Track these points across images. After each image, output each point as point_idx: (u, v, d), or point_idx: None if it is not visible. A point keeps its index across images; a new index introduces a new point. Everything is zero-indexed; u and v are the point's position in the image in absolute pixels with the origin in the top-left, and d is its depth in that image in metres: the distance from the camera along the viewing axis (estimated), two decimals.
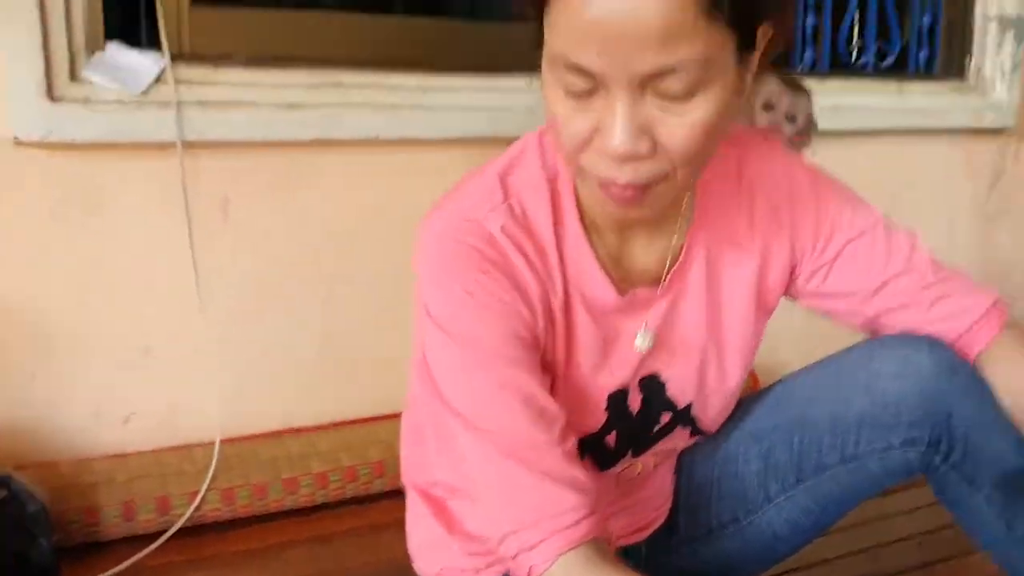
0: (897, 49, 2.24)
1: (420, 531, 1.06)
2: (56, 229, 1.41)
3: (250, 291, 1.55)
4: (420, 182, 1.59)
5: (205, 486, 1.46)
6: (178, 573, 1.39)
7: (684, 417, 1.02)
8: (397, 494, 1.13)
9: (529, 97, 1.61)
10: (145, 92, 1.40)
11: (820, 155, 1.74)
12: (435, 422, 0.90)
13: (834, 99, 1.92)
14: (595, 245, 0.91)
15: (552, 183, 0.90)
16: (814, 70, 2.15)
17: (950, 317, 0.97)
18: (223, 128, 1.45)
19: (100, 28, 1.40)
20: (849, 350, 1.01)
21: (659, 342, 0.96)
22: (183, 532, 1.44)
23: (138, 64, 1.40)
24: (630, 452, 1.01)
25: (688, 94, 0.74)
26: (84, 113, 1.36)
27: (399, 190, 1.61)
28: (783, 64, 2.00)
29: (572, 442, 0.86)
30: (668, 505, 1.11)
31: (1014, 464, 0.94)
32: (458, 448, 0.85)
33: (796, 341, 1.53)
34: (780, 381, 1.09)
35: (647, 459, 1.04)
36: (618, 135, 0.74)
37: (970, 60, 2.28)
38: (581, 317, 0.92)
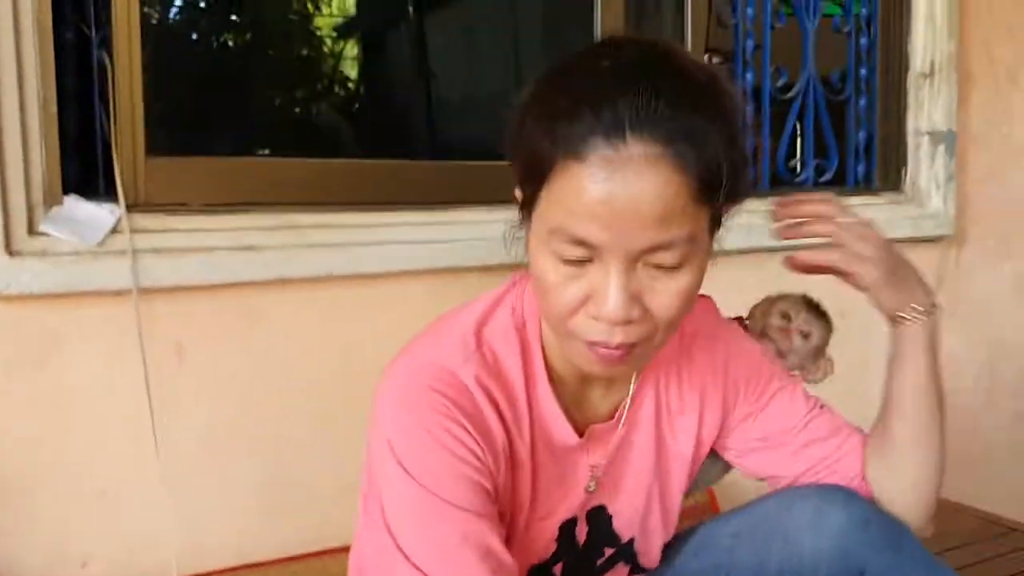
0: (835, 165, 2.32)
1: None
2: (12, 376, 1.43)
3: (205, 432, 1.56)
4: (375, 316, 1.64)
5: None
6: None
7: (627, 553, 1.05)
8: None
9: (478, 230, 1.67)
10: (101, 243, 1.43)
11: (764, 271, 1.80)
12: (380, 565, 0.90)
13: None
14: (559, 393, 0.97)
15: (520, 331, 0.96)
16: (755, 188, 2.22)
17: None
18: (178, 274, 1.49)
19: (58, 182, 1.44)
20: (767, 497, 1.07)
21: (609, 476, 1.01)
22: None
23: (94, 216, 1.45)
24: None
25: (677, 266, 0.82)
26: (41, 266, 1.40)
27: (353, 325, 1.64)
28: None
29: None
30: None
31: None
32: None
33: None
34: (703, 524, 1.13)
35: None
36: (614, 302, 0.81)
37: (905, 173, 2.37)
38: (543, 457, 0.97)
